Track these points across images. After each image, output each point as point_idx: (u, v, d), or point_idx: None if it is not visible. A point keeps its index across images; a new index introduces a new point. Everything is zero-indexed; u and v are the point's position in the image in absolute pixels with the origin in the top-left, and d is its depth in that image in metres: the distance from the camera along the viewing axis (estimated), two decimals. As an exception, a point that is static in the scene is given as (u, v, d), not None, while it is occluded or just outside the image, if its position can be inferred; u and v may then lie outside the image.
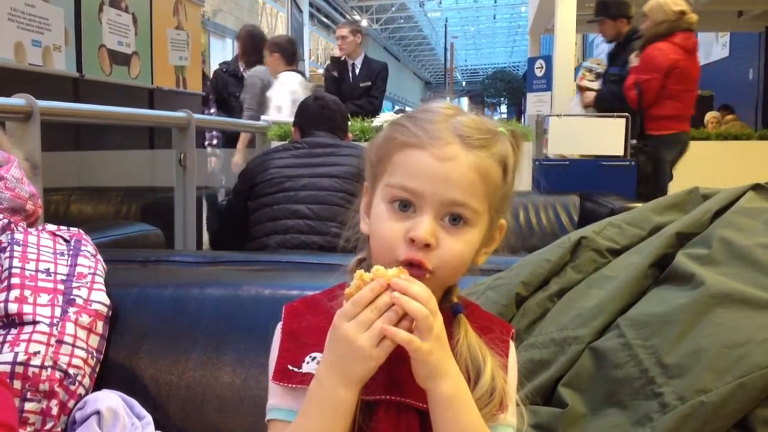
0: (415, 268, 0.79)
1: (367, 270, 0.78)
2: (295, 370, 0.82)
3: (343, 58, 5.64)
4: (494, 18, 27.53)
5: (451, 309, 0.85)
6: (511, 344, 0.88)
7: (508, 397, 0.83)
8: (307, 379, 0.80)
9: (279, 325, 0.87)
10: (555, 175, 4.16)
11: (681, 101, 4.38)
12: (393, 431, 0.80)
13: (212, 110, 5.68)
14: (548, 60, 6.80)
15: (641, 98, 4.31)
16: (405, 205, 0.81)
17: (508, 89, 25.84)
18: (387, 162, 0.83)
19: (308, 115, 2.85)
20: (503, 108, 29.55)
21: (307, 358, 0.82)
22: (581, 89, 4.82)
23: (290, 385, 0.82)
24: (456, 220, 0.80)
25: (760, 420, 0.91)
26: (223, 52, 12.13)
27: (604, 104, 4.56)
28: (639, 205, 1.40)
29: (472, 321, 0.85)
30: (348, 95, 5.43)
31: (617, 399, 0.99)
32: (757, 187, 1.23)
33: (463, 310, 0.85)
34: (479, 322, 0.85)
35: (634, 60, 4.44)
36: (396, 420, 0.80)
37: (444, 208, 0.79)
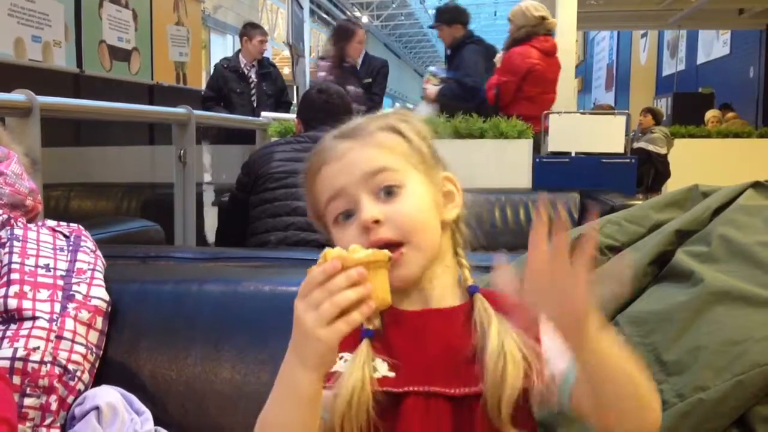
0: (384, 247, 0.80)
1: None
2: None
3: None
4: (495, 15, 27.47)
5: (467, 290, 0.87)
6: (543, 322, 0.86)
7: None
8: (334, 377, 0.82)
9: None
10: (555, 172, 4.16)
11: (537, 103, 4.55)
12: (422, 421, 0.81)
13: None
14: (549, 57, 6.78)
15: (498, 99, 4.56)
16: (347, 216, 0.85)
17: (508, 86, 25.80)
18: (314, 197, 0.90)
19: (312, 107, 2.82)
20: (504, 105, 29.51)
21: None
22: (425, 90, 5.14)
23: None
24: (390, 192, 0.84)
25: (758, 417, 0.92)
26: (223, 47, 12.12)
27: (441, 100, 4.81)
28: (639, 202, 1.40)
29: (495, 304, 0.85)
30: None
31: (616, 396, 0.99)
32: (756, 185, 1.23)
33: (479, 290, 0.86)
34: (502, 308, 0.85)
35: (499, 61, 4.71)
36: (425, 409, 0.81)
37: (370, 184, 0.84)
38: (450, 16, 5.07)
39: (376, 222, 0.82)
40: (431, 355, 0.83)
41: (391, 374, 0.83)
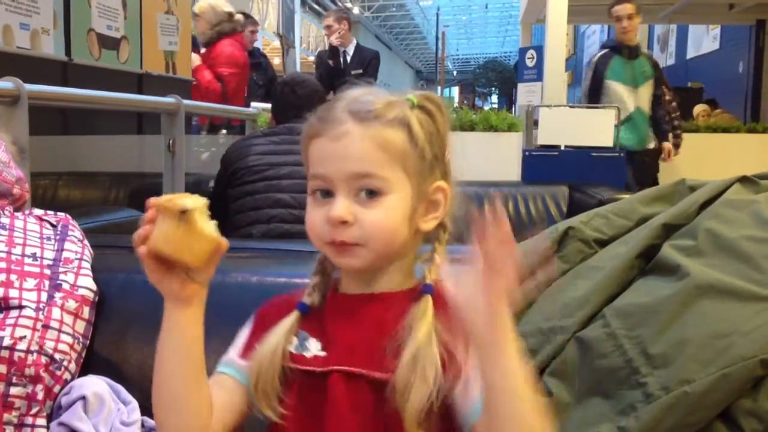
0: (339, 245, 0.83)
1: None
2: None
3: (335, 46, 5.64)
4: (486, 7, 27.46)
5: (423, 287, 0.86)
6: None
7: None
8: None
9: (254, 313, 0.94)
10: (544, 166, 4.17)
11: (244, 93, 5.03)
12: (347, 400, 0.82)
13: None
14: (539, 50, 6.78)
15: (225, 90, 4.82)
16: (326, 193, 0.84)
17: (499, 79, 25.82)
18: (306, 159, 0.88)
19: (279, 102, 2.79)
20: (494, 98, 29.53)
21: None
22: None
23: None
24: (372, 193, 0.83)
25: (742, 411, 0.92)
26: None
27: None
28: (627, 196, 1.40)
29: (443, 303, 0.83)
30: (339, 83, 5.43)
31: (602, 388, 1.00)
32: (743, 179, 1.24)
33: (432, 291, 0.85)
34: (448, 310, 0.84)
35: (195, 57, 4.87)
36: (348, 389, 0.82)
37: (352, 183, 0.83)
38: None
39: (343, 222, 0.82)
40: (360, 336, 0.84)
41: (323, 353, 0.84)
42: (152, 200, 0.77)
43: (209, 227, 0.79)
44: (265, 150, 2.59)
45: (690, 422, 0.92)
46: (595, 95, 4.59)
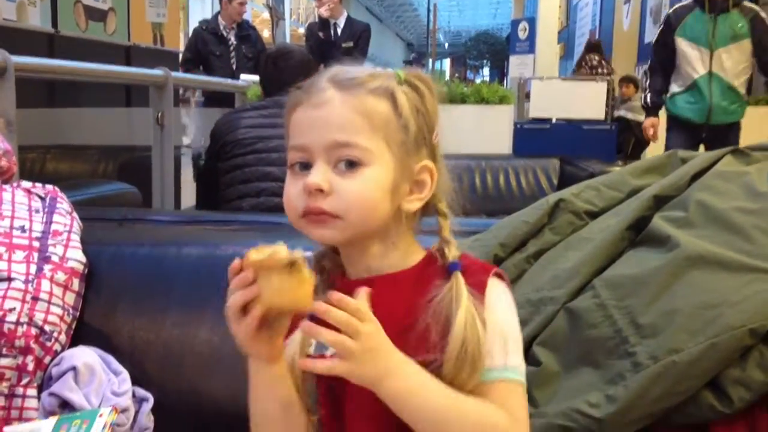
0: (314, 214, 0.80)
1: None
2: None
3: (326, 18, 5.60)
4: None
5: (447, 267, 0.83)
6: (491, 281, 0.83)
7: (486, 346, 0.79)
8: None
9: None
10: (535, 139, 4.17)
11: None
12: (360, 410, 0.81)
13: None
14: (532, 22, 6.76)
15: None
16: (305, 166, 0.81)
17: (491, 52, 25.71)
18: (287, 132, 0.85)
19: (265, 76, 2.79)
20: (486, 71, 29.42)
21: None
22: None
23: None
24: (352, 164, 0.80)
25: (730, 380, 0.93)
26: (202, 10, 11.92)
27: None
28: (618, 168, 1.40)
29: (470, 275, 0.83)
30: (330, 55, 5.39)
31: (591, 358, 1.01)
32: (734, 151, 1.24)
33: (459, 268, 0.82)
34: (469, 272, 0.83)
35: None
36: (362, 399, 0.80)
37: (331, 152, 0.80)
38: None
39: (320, 190, 0.79)
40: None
41: None
42: (248, 261, 0.77)
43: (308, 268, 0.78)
44: (254, 123, 2.58)
45: (678, 391, 0.93)
46: (663, 52, 3.91)
